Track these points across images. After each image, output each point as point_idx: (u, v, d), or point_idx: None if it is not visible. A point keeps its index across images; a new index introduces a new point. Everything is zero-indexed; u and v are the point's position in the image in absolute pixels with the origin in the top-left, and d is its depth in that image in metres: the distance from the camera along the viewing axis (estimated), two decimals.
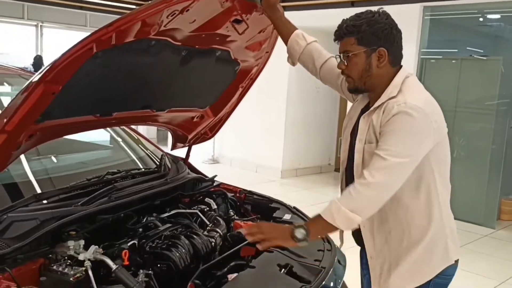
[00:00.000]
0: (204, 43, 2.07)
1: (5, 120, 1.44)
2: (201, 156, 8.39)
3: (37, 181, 2.03)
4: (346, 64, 1.81)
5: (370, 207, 1.70)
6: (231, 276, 1.90)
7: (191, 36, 1.92)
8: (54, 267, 1.64)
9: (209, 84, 2.42)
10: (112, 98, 1.88)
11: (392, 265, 1.89)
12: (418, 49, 6.25)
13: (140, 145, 2.95)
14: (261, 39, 2.34)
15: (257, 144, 8.27)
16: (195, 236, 2.05)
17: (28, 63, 8.73)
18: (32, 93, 1.42)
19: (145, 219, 2.13)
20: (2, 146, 1.49)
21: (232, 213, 2.53)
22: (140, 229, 2.03)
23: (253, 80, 2.65)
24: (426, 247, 1.84)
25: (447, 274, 1.88)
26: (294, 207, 2.65)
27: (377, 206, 1.70)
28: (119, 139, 2.95)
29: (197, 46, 2.04)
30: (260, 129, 8.24)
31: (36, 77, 1.43)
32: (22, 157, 1.93)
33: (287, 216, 2.52)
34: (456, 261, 1.91)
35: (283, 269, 1.96)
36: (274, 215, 2.56)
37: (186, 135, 2.73)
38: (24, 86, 1.45)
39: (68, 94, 1.52)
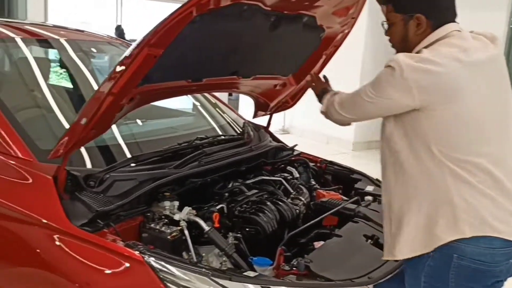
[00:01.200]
0: (292, 9, 2.04)
1: (112, 82, 1.50)
2: (271, 126, 8.44)
3: (128, 144, 2.11)
4: (387, 33, 1.72)
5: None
6: (317, 244, 1.90)
7: (281, 1, 1.90)
8: (152, 225, 1.73)
9: (294, 51, 2.39)
10: (204, 63, 1.91)
11: (394, 228, 1.65)
12: (509, 17, 5.82)
13: (221, 112, 3.00)
14: (349, 4, 2.27)
15: None
16: (280, 203, 2.07)
17: (109, 33, 9.04)
18: (137, 56, 1.47)
19: (230, 184, 2.18)
20: (109, 108, 1.56)
21: (313, 182, 2.53)
22: (227, 194, 2.08)
23: (336, 47, 2.58)
24: (426, 213, 1.56)
25: (475, 258, 1.51)
26: (377, 179, 2.60)
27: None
28: (199, 106, 3.01)
29: (285, 12, 2.01)
30: None
31: (139, 41, 1.47)
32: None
33: (369, 188, 2.49)
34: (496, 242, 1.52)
35: (369, 240, 1.94)
36: (356, 186, 2.53)
37: (268, 103, 2.74)
38: (127, 50, 1.49)
39: (167, 58, 1.56)
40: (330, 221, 2.20)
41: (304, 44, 2.38)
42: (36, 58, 2.54)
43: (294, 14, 2.08)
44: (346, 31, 2.47)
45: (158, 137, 2.36)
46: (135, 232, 1.73)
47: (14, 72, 2.62)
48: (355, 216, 2.12)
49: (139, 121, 2.44)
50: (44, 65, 2.62)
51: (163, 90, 1.86)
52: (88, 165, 1.90)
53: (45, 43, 2.69)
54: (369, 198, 2.33)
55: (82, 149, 1.88)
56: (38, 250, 1.60)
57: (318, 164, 2.75)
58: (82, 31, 3.07)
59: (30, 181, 1.70)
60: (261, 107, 2.80)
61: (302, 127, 8.65)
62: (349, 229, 1.99)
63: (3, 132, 1.83)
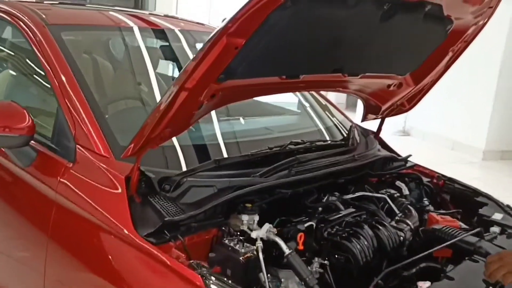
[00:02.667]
0: None
1: (185, 77, 1.31)
2: (390, 127, 7.85)
3: (216, 145, 1.94)
4: None
5: None
6: (422, 285, 1.55)
7: None
8: (226, 241, 1.52)
9: (412, 46, 2.02)
10: (300, 57, 1.64)
11: None
12: None
13: (328, 113, 2.71)
14: None
15: (456, 117, 7.35)
16: (380, 227, 1.74)
17: None
18: (214, 47, 1.27)
19: (325, 197, 1.90)
20: (183, 105, 1.38)
21: (426, 203, 2.14)
22: (320, 209, 1.81)
23: (467, 42, 2.16)
24: None
25: None
26: (508, 205, 2.14)
27: None
28: (307, 104, 2.75)
29: None
30: (461, 100, 7.28)
31: (217, 30, 1.26)
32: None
33: (497, 216, 2.05)
34: None
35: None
36: (480, 211, 2.10)
37: (379, 105, 2.39)
38: (205, 41, 1.29)
39: (252, 49, 1.34)
40: (442, 253, 1.82)
41: (425, 38, 2.00)
42: (147, 48, 2.47)
43: (415, 1, 1.72)
44: (481, 23, 2.04)
45: (252, 138, 2.15)
46: (207, 247, 1.54)
47: (121, 62, 2.59)
48: (475, 252, 1.71)
49: (232, 118, 2.26)
50: (153, 56, 2.54)
51: (251, 87, 1.64)
52: (170, 166, 1.75)
53: (158, 33, 2.60)
54: (496, 230, 1.90)
55: (165, 148, 1.74)
56: (98, 254, 1.49)
57: (435, 180, 2.34)
58: (202, 24, 2.97)
59: (103, 179, 1.59)
60: (371, 110, 2.46)
61: (425, 129, 7.95)
62: (466, 270, 1.61)
63: (88, 125, 1.75)
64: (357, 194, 1.96)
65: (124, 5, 3.73)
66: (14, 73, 2.47)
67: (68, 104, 1.79)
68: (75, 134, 1.73)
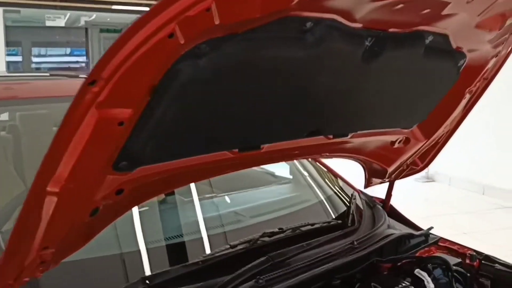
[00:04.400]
0: (404, 23, 1.22)
1: (47, 170, 0.83)
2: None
3: (152, 250, 1.41)
4: None
5: None
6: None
7: (380, 10, 1.09)
8: None
9: (415, 91, 1.53)
10: (252, 121, 1.16)
11: None
12: None
13: (326, 177, 2.20)
14: (506, 8, 1.37)
15: (486, 159, 6.68)
16: None
17: None
18: (80, 126, 0.79)
19: None
20: (58, 212, 0.89)
21: None
22: None
23: (489, 79, 1.68)
24: None
25: None
26: None
27: None
28: (301, 170, 2.24)
29: (390, 30, 1.20)
30: (490, 140, 6.64)
31: (77, 93, 0.78)
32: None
33: None
34: None
35: None
36: None
37: (384, 168, 1.88)
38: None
39: (162, 118, 0.87)
40: None
41: (431, 79, 1.52)
42: None
43: (408, 32, 1.25)
44: (503, 52, 1.56)
45: (214, 232, 1.62)
46: None
47: None
48: None
49: (192, 200, 1.74)
50: None
51: (187, 170, 1.15)
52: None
53: None
54: None
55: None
56: None
57: (468, 261, 1.78)
58: None
59: None
60: (374, 173, 1.95)
61: (451, 173, 7.30)
62: None
63: None
64: None
65: None
66: None
67: None
68: None
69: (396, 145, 1.77)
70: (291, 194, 2.13)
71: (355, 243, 1.54)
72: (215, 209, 1.75)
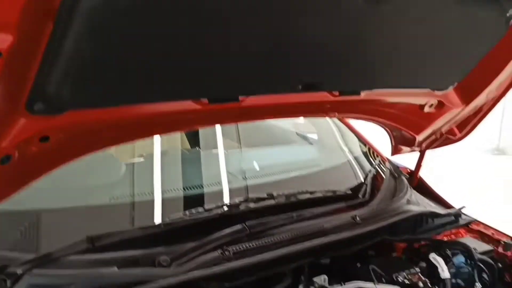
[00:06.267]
0: None
1: None
2: (480, 144, 6.65)
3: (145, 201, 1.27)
4: None
5: None
6: None
7: None
8: None
9: (448, 44, 1.26)
10: (224, 67, 0.96)
11: None
12: None
13: (351, 143, 1.97)
14: None
15: None
16: None
17: None
18: None
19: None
20: None
21: None
22: None
23: None
24: None
25: None
26: None
27: None
28: (328, 131, 2.02)
29: None
30: None
31: None
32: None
33: None
34: None
35: None
36: None
37: (412, 135, 1.63)
38: None
39: (76, 54, 0.72)
40: None
41: (468, 31, 1.23)
42: None
43: None
44: None
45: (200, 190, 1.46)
46: None
47: None
48: None
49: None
50: None
51: (131, 121, 0.98)
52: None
53: None
54: None
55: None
56: None
57: (500, 249, 1.52)
58: None
59: None
60: (401, 141, 1.71)
61: None
62: None
63: None
64: (349, 285, 1.22)
65: None
66: None
67: None
68: None
69: (427, 109, 1.51)
70: (312, 156, 1.92)
71: (357, 218, 1.34)
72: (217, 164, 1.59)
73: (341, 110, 1.38)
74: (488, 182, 5.29)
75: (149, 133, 1.05)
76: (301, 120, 2.12)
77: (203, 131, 1.66)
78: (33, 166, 0.89)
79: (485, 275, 1.46)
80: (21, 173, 0.88)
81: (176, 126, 1.07)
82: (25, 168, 0.88)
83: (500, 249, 1.53)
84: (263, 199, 1.31)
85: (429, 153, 1.74)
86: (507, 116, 6.89)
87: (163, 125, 1.03)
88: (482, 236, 1.61)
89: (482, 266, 1.45)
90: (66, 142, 0.89)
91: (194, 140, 1.70)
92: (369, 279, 1.25)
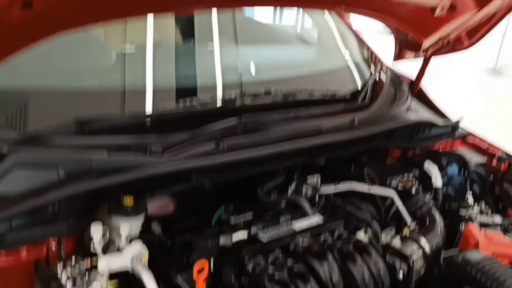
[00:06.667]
0: None
1: None
2: (476, 63, 6.54)
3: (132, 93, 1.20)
4: None
5: None
6: None
7: None
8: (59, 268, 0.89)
9: None
10: None
11: None
12: None
13: (352, 45, 1.88)
14: None
15: None
16: (359, 261, 1.01)
17: None
18: None
19: (291, 186, 1.19)
20: None
21: (469, 201, 1.36)
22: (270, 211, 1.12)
23: None
24: None
25: None
26: None
27: None
28: (329, 33, 1.92)
29: None
30: None
31: None
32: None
33: None
34: None
35: None
36: None
37: (420, 38, 1.55)
38: None
39: None
40: None
41: None
42: None
43: None
44: None
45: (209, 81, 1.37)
46: (28, 275, 0.92)
47: None
48: None
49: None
50: None
51: None
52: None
53: None
54: None
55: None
56: None
57: (493, 163, 1.51)
58: None
59: None
60: (407, 45, 1.63)
61: None
62: None
63: None
64: (343, 185, 1.21)
65: None
66: None
67: None
68: None
69: (438, 12, 1.42)
70: (311, 57, 1.84)
71: (356, 121, 1.29)
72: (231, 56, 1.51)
73: (349, 2, 1.28)
74: (482, 102, 5.28)
75: (141, 10, 0.95)
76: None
77: (198, 23, 1.56)
78: (16, 35, 0.81)
79: (476, 187, 1.47)
80: (4, 41, 0.81)
81: (170, 3, 0.97)
82: (8, 36, 0.80)
83: (494, 162, 1.52)
84: (260, 95, 1.25)
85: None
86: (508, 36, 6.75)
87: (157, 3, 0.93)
88: (477, 149, 1.60)
89: (473, 178, 1.44)
90: (50, 12, 0.80)
91: (188, 33, 1.61)
92: (363, 182, 1.24)
